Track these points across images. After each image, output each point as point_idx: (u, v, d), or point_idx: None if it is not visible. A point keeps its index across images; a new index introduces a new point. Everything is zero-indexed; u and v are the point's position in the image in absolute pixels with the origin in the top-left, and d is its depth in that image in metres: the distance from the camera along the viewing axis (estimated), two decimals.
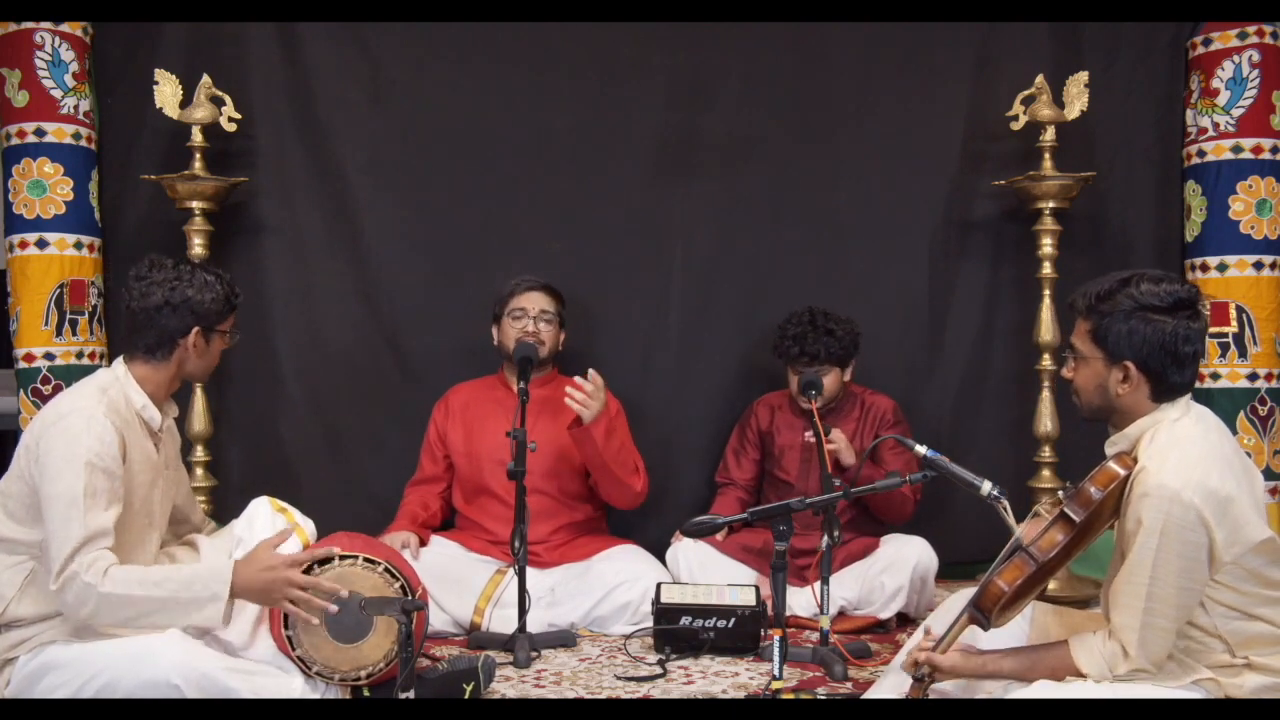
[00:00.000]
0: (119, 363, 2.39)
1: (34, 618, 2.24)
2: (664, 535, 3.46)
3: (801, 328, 3.34)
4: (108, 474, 2.20)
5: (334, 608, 2.27)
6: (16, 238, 3.52)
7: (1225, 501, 1.91)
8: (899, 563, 3.20)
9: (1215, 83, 3.61)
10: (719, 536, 3.31)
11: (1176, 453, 1.95)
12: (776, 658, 2.32)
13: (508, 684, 2.68)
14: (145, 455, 2.37)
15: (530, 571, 3.01)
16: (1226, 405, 3.56)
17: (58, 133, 3.50)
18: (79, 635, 2.22)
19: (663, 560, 3.34)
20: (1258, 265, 3.59)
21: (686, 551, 3.31)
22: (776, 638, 2.31)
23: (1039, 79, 3.56)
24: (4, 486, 2.30)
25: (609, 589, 3.16)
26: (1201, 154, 3.67)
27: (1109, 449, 2.10)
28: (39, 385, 3.48)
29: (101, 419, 2.22)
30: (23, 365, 3.51)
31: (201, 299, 2.38)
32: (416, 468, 3.52)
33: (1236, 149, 3.59)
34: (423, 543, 3.29)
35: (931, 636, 2.12)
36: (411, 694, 2.20)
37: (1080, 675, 1.96)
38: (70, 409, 2.24)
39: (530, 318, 3.36)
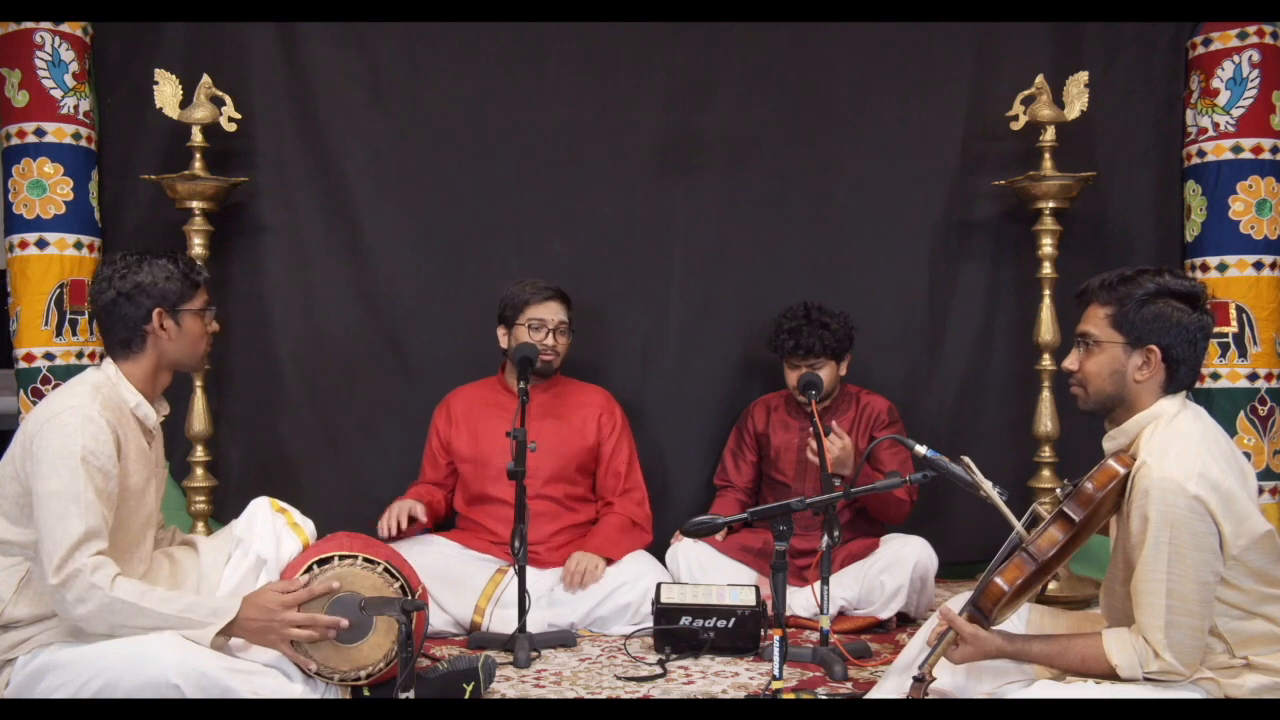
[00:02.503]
0: (108, 363, 2.38)
1: (30, 619, 2.23)
2: (664, 535, 3.46)
3: (796, 321, 3.34)
4: (103, 472, 2.20)
5: (332, 634, 2.28)
6: (16, 238, 3.52)
7: (1227, 491, 1.92)
8: (899, 562, 3.20)
9: (1215, 83, 3.61)
10: (719, 537, 3.31)
11: (1176, 447, 1.96)
12: (776, 658, 2.32)
13: (508, 684, 2.68)
14: (141, 453, 2.36)
15: (531, 571, 3.01)
16: (1226, 405, 3.57)
17: (58, 133, 3.50)
18: (78, 636, 2.21)
19: (663, 560, 3.34)
20: (1258, 265, 3.59)
21: (686, 552, 3.31)
22: (776, 638, 2.31)
23: (1039, 79, 3.55)
24: None
25: (609, 589, 3.16)
26: (1201, 154, 3.66)
27: (1107, 444, 2.11)
28: (39, 385, 3.48)
29: (96, 417, 2.21)
30: (23, 365, 3.51)
31: (154, 280, 2.35)
32: (418, 470, 3.51)
33: (1236, 149, 3.59)
34: (429, 512, 3.29)
35: (949, 610, 2.10)
36: (411, 694, 2.20)
37: (1111, 669, 1.95)
38: (63, 406, 2.23)
39: (550, 329, 3.33)
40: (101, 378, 2.34)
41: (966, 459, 2.23)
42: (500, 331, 3.43)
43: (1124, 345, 2.06)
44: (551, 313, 3.36)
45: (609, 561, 3.23)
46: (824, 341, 3.31)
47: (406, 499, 3.28)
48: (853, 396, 3.49)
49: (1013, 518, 2.13)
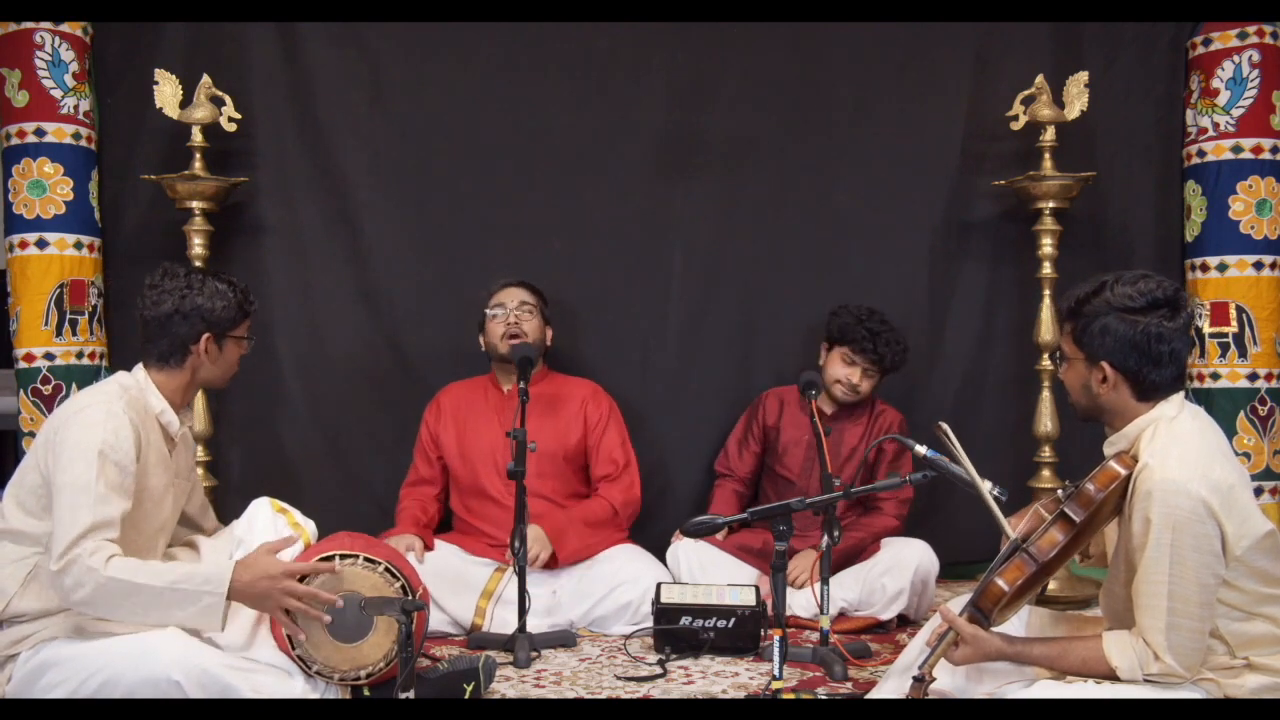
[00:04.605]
0: (139, 369, 2.42)
1: (36, 613, 2.24)
2: (664, 535, 3.46)
3: (879, 325, 3.31)
4: (120, 467, 2.21)
5: (328, 618, 2.27)
6: (16, 238, 3.52)
7: (1230, 491, 1.92)
8: (900, 565, 3.20)
9: (1215, 83, 3.61)
10: (719, 536, 3.30)
11: (1178, 449, 1.96)
12: (776, 658, 2.32)
13: (508, 684, 2.68)
14: (161, 458, 2.38)
15: (537, 574, 3.00)
16: (1226, 405, 3.57)
17: (58, 133, 3.50)
18: (80, 633, 2.22)
19: (663, 560, 3.34)
20: (1258, 265, 3.59)
21: (686, 551, 3.31)
22: (776, 638, 2.31)
23: (1039, 79, 3.56)
24: (18, 478, 2.32)
25: (609, 589, 3.17)
26: (1201, 154, 3.66)
27: (1108, 449, 2.10)
28: (39, 385, 3.48)
29: (120, 414, 2.25)
30: (23, 365, 3.51)
31: (212, 306, 2.41)
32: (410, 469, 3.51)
33: (1236, 149, 3.59)
34: (428, 546, 3.27)
35: (949, 611, 2.09)
36: (411, 694, 2.20)
37: (1111, 671, 1.95)
38: (90, 402, 2.28)
39: (509, 309, 3.39)
40: (130, 381, 2.39)
41: (944, 425, 2.24)
42: (480, 337, 3.48)
43: (1084, 362, 2.09)
44: (510, 296, 3.42)
45: (554, 556, 3.21)
46: (892, 360, 3.31)
47: (405, 534, 3.24)
48: (868, 405, 3.48)
49: (1004, 521, 2.12)
